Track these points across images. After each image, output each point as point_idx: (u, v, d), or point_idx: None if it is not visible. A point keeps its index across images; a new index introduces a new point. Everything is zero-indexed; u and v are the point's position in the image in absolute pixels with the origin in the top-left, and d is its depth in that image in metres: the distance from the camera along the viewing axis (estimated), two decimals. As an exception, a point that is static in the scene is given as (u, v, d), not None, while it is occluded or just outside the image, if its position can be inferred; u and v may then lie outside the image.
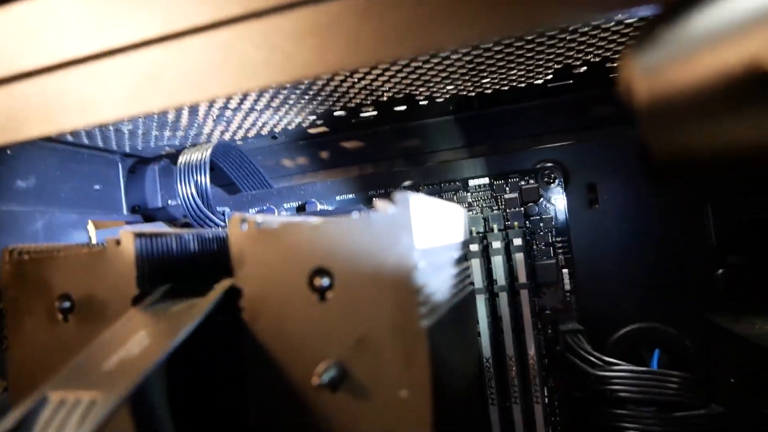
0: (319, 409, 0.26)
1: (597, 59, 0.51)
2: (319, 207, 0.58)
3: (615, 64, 0.53)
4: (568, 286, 0.54)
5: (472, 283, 0.46)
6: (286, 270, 0.27)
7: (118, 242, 0.29)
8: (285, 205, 0.61)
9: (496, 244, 0.48)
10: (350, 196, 0.60)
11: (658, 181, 0.23)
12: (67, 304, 0.30)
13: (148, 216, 0.68)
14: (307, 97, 0.49)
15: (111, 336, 0.26)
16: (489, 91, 0.57)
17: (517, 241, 0.47)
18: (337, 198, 0.60)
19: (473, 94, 0.57)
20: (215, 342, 0.29)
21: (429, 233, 0.28)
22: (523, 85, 0.56)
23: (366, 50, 0.23)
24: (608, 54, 0.50)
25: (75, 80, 0.28)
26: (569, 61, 0.50)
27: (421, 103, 0.58)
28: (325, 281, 0.26)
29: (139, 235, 0.30)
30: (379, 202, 0.25)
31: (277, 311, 0.27)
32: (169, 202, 0.74)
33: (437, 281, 0.29)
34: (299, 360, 0.27)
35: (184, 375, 0.28)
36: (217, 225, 0.57)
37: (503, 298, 0.47)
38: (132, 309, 0.29)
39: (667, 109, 0.20)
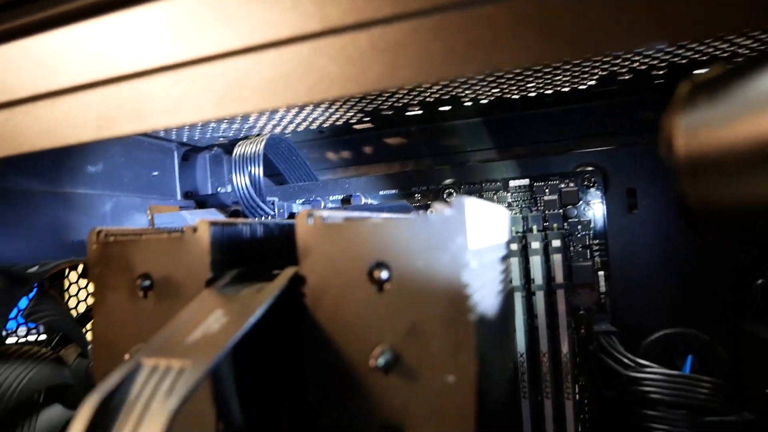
0: (371, 389, 0.29)
1: (643, 67, 0.52)
2: (363, 201, 0.61)
3: (660, 72, 0.54)
4: (603, 288, 0.56)
5: (512, 281, 0.48)
6: (348, 262, 0.29)
7: (195, 230, 0.32)
8: (330, 198, 0.64)
9: (536, 245, 0.50)
10: (393, 191, 0.62)
11: (694, 228, 0.25)
12: (147, 283, 0.34)
13: (200, 201, 0.72)
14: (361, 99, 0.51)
15: (190, 313, 0.29)
16: (533, 94, 0.59)
17: (556, 243, 0.49)
18: (380, 192, 0.62)
19: (517, 96, 0.59)
20: (278, 322, 0.32)
21: (480, 234, 0.30)
22: (567, 89, 0.58)
23: (433, 68, 0.26)
24: (654, 62, 0.51)
25: (165, 84, 0.31)
26: (615, 68, 0.52)
27: (465, 104, 0.60)
28: (384, 274, 0.29)
29: (213, 224, 0.33)
30: (437, 204, 0.28)
31: (337, 299, 0.30)
32: (219, 189, 0.77)
33: (484, 279, 0.31)
34: (355, 344, 0.30)
35: (248, 352, 0.31)
36: (267, 213, 0.60)
37: (540, 297, 0.49)
38: (205, 290, 0.32)
39: (705, 164, 0.23)
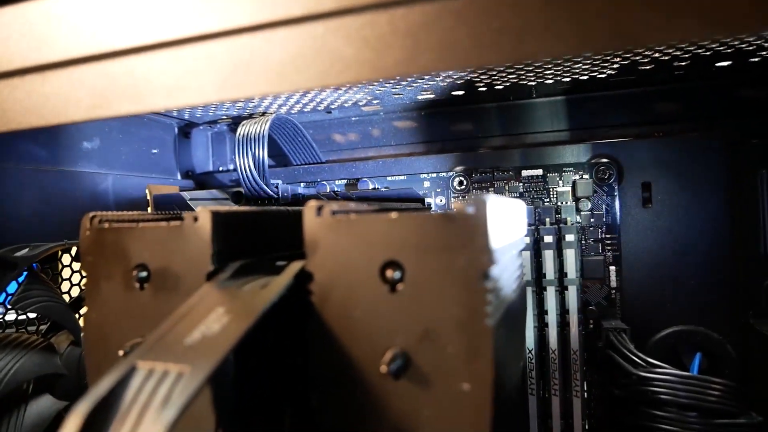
0: (380, 395, 0.28)
1: (666, 57, 0.50)
2: (371, 186, 0.59)
3: (682, 63, 0.51)
4: (614, 284, 0.54)
5: (524, 276, 0.46)
6: (359, 260, 0.27)
7: (195, 218, 0.30)
8: (336, 181, 0.62)
9: (548, 239, 0.48)
10: (401, 177, 0.60)
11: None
12: (143, 274, 0.32)
13: (200, 181, 0.70)
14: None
15: (189, 311, 0.27)
16: (549, 81, 0.56)
17: (570, 237, 0.48)
18: (389, 178, 0.60)
19: (534, 83, 0.57)
20: (282, 320, 0.30)
21: (500, 232, 0.28)
22: (585, 77, 0.55)
23: (458, 55, 0.23)
24: (678, 53, 0.49)
25: (165, 62, 0.29)
26: (637, 58, 0.49)
27: (480, 89, 0.58)
28: (396, 274, 0.27)
29: (215, 212, 0.31)
30: (456, 202, 0.26)
31: (346, 298, 0.28)
32: (221, 168, 0.75)
33: (503, 279, 0.30)
34: (364, 346, 0.28)
35: (250, 352, 0.29)
36: (270, 197, 0.58)
37: (551, 293, 0.47)
38: (206, 284, 0.30)
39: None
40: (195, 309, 0.28)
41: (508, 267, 0.32)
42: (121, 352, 0.31)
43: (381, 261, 0.27)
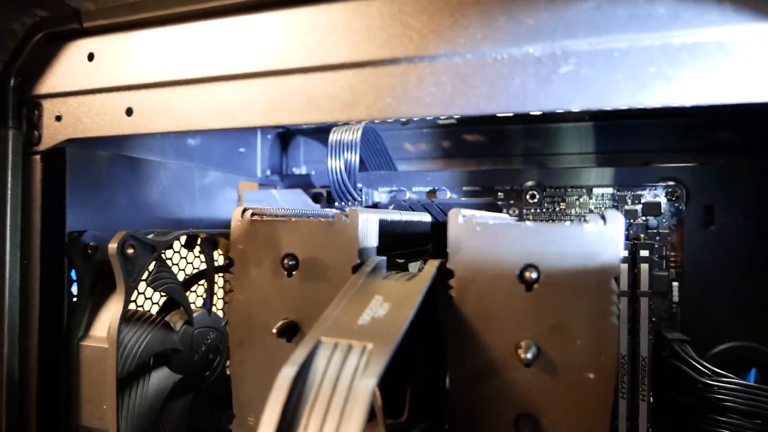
0: (510, 379, 0.32)
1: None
2: (448, 195, 0.63)
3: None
4: (676, 298, 0.58)
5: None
6: (499, 261, 0.32)
7: (346, 217, 0.35)
8: (413, 189, 0.66)
9: (624, 253, 0.52)
10: (474, 188, 0.64)
11: None
12: (292, 262, 0.36)
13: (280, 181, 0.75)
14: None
15: (349, 298, 0.32)
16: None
17: (644, 253, 0.51)
18: (463, 188, 0.65)
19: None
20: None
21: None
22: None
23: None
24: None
25: (337, 81, 0.33)
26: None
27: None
28: (533, 275, 0.31)
29: (362, 213, 0.35)
30: (590, 216, 0.30)
31: (484, 293, 0.32)
32: (294, 170, 0.80)
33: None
34: (498, 336, 0.32)
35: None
36: (355, 199, 0.62)
37: (623, 303, 0.51)
38: (354, 276, 0.34)
39: None
40: (355, 297, 0.32)
41: (618, 275, 0.36)
42: (274, 330, 0.36)
43: (520, 264, 0.31)
